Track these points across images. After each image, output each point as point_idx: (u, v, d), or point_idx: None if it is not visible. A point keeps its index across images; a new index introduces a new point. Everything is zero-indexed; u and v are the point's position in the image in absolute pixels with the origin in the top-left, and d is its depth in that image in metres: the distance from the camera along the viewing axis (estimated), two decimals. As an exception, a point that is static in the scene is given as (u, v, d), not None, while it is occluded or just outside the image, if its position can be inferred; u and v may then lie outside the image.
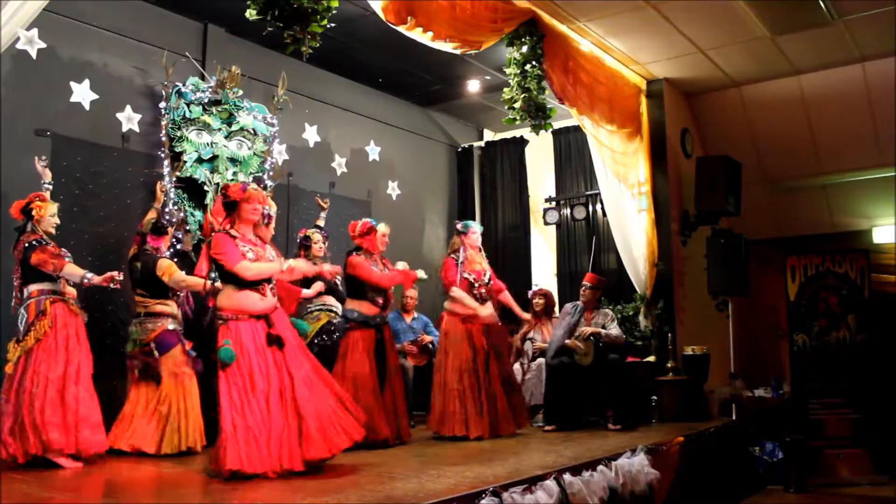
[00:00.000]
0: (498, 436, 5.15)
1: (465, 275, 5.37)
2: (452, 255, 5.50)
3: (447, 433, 5.11)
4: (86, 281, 4.23)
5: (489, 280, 5.51)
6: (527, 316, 6.24)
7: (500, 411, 5.25)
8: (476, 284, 5.39)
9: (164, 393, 4.62)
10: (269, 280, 3.89)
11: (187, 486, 3.70)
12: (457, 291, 5.34)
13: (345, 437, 3.83)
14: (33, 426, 4.01)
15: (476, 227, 5.59)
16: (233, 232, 3.85)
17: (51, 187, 4.52)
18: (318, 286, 5.59)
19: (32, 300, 4.23)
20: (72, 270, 4.24)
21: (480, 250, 5.60)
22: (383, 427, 4.75)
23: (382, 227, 5.21)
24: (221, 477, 3.58)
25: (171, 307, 4.84)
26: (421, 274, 5.29)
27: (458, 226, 5.60)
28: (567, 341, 5.87)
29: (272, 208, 5.74)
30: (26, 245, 4.23)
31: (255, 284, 3.80)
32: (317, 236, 5.85)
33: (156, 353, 4.65)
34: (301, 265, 4.11)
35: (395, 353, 5.20)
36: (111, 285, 4.26)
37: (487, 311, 5.43)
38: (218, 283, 4.11)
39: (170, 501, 3.38)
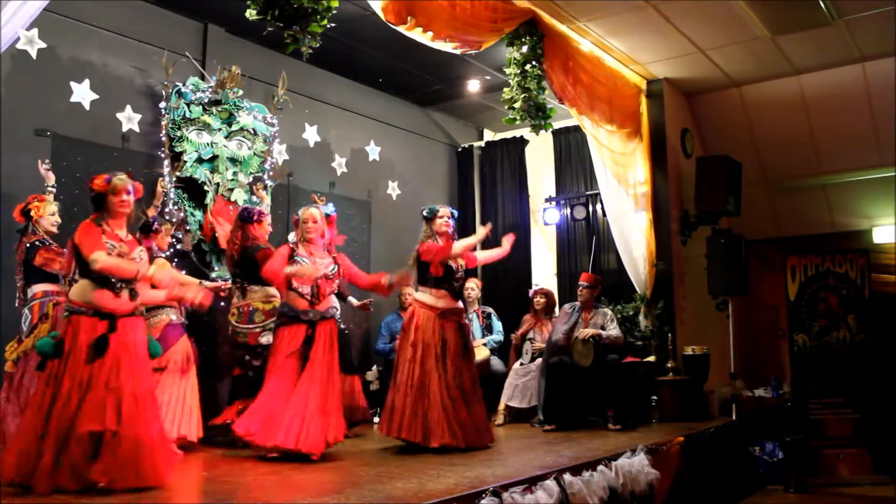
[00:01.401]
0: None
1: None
2: (430, 241, 4.96)
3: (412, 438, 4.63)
4: None
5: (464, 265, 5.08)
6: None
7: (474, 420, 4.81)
8: (456, 273, 4.99)
9: (166, 383, 4.62)
10: (127, 282, 3.55)
11: (187, 485, 3.69)
12: (456, 246, 4.86)
13: (145, 475, 3.38)
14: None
15: (444, 211, 5.03)
16: (103, 225, 3.55)
17: (54, 190, 4.54)
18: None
19: (37, 301, 4.24)
20: None
21: (449, 236, 5.00)
22: (285, 432, 4.21)
23: (313, 211, 4.72)
24: None
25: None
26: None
27: (424, 212, 5.07)
28: (560, 334, 5.86)
29: (265, 203, 5.78)
30: (28, 246, 4.25)
31: (109, 283, 3.48)
32: None
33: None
34: (156, 293, 3.77)
35: (326, 357, 4.52)
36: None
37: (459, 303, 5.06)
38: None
39: (171, 500, 3.38)
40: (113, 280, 3.50)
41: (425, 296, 4.92)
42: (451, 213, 5.09)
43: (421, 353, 4.75)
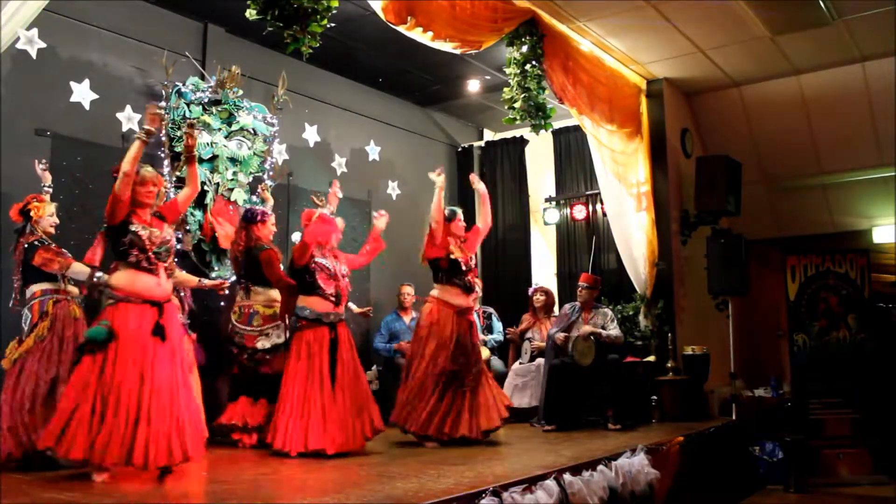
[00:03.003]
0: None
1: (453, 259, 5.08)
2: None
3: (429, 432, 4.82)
4: (95, 279, 4.25)
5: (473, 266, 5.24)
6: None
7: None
8: (465, 270, 5.13)
9: None
10: (161, 260, 3.79)
11: (187, 484, 3.69)
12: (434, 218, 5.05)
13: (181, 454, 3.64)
14: (24, 425, 4.02)
15: (461, 215, 5.31)
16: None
17: (51, 190, 4.52)
18: None
19: (36, 300, 4.24)
20: (80, 269, 4.27)
21: (462, 240, 5.24)
22: (337, 434, 4.41)
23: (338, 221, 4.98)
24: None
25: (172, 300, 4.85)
26: (380, 224, 5.07)
27: (445, 212, 5.25)
28: (559, 334, 5.87)
29: (269, 204, 5.78)
30: (26, 246, 4.24)
31: (149, 265, 3.72)
32: None
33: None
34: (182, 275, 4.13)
35: (351, 354, 4.75)
36: None
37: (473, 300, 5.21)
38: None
39: (169, 501, 3.38)
40: (149, 261, 3.70)
41: (441, 293, 5.09)
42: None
43: (435, 348, 4.91)
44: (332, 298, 4.68)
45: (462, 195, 8.71)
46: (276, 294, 5.08)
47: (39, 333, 4.16)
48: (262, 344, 4.97)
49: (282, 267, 5.01)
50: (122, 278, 3.72)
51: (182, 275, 4.66)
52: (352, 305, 5.90)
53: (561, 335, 5.89)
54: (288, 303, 4.76)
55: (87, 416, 3.50)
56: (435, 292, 5.16)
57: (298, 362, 4.55)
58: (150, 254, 3.74)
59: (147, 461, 3.51)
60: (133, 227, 3.73)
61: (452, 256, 5.09)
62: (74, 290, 4.42)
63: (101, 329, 3.60)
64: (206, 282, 4.93)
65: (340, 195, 5.10)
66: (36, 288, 4.27)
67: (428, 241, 5.15)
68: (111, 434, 3.49)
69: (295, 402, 4.45)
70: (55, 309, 4.24)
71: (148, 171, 3.87)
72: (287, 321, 4.97)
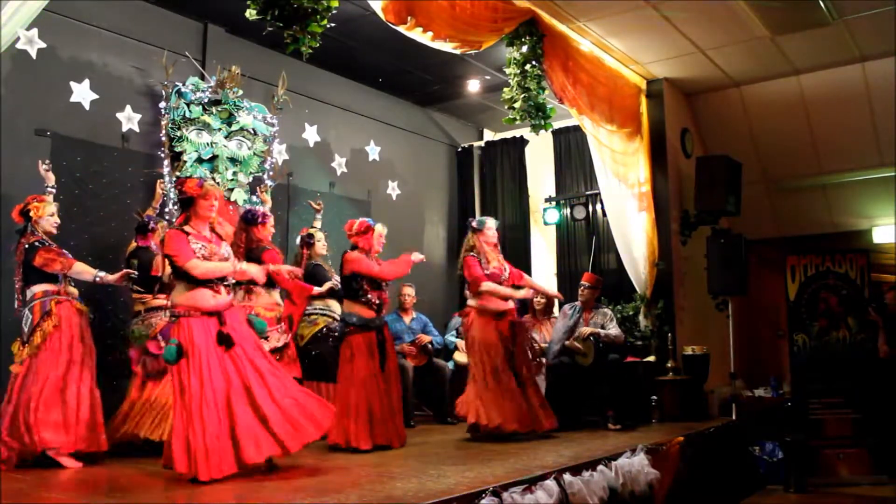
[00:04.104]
0: (533, 431, 5.08)
1: (487, 272, 5.23)
2: (472, 254, 5.30)
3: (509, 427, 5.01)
4: (98, 279, 4.25)
5: (508, 275, 5.38)
6: (556, 293, 6.12)
7: (535, 407, 5.17)
8: (500, 281, 5.27)
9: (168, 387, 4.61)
10: (222, 278, 3.85)
11: (187, 485, 3.69)
12: (489, 285, 5.18)
13: (313, 429, 3.80)
14: (27, 425, 4.02)
15: (491, 223, 5.42)
16: (186, 228, 3.81)
17: (54, 191, 4.52)
18: (330, 284, 5.58)
19: (37, 301, 4.24)
20: (82, 269, 4.27)
21: (496, 246, 5.42)
22: (390, 431, 4.75)
23: (380, 227, 5.14)
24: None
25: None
26: (416, 256, 5.16)
27: (473, 223, 5.43)
28: (566, 342, 5.88)
29: (267, 205, 5.78)
30: (27, 246, 4.24)
31: (208, 282, 3.76)
32: (319, 234, 5.85)
33: (161, 343, 4.64)
34: (252, 269, 4.10)
35: (394, 355, 5.15)
36: (126, 283, 4.29)
37: (513, 305, 5.37)
38: (109, 277, 4.22)
39: (170, 501, 3.38)
40: (212, 280, 3.76)
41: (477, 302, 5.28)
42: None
43: (486, 351, 5.14)
44: (375, 306, 4.90)
45: (462, 195, 8.73)
46: (277, 297, 5.08)
47: (46, 331, 4.16)
48: (265, 347, 4.97)
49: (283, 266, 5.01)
50: (182, 295, 3.75)
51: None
52: None
53: (569, 341, 5.88)
54: (296, 302, 4.83)
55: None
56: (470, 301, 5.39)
57: (350, 365, 4.77)
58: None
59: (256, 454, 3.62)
60: (192, 245, 3.74)
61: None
62: (75, 291, 4.42)
63: (170, 349, 3.65)
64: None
65: (384, 240, 5.24)
66: (37, 289, 4.26)
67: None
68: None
69: (355, 403, 4.66)
70: (58, 308, 4.24)
71: (211, 184, 3.92)
72: (291, 323, 4.99)
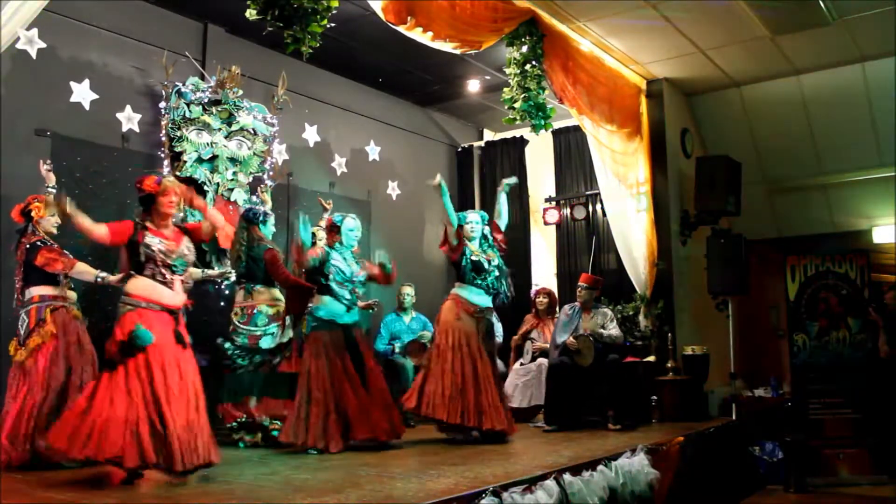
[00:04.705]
0: (476, 429, 4.98)
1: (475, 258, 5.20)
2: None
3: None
4: (99, 280, 4.25)
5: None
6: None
7: (484, 405, 5.03)
8: (485, 268, 5.22)
9: None
10: (177, 273, 3.81)
11: (187, 485, 3.69)
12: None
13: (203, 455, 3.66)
14: (27, 428, 4.02)
15: (472, 216, 5.31)
16: (147, 224, 3.79)
17: (54, 191, 4.52)
18: None
19: (34, 305, 4.23)
20: (83, 269, 4.27)
21: (486, 238, 5.35)
22: (362, 427, 4.64)
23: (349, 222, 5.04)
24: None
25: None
26: (381, 256, 5.09)
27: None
28: (565, 339, 5.87)
29: (267, 205, 5.78)
30: (28, 246, 4.24)
31: (164, 281, 3.75)
32: (321, 234, 5.86)
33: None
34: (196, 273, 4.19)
35: (369, 351, 5.04)
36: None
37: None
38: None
39: (171, 501, 3.38)
40: (163, 275, 3.73)
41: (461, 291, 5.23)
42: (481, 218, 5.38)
43: (455, 344, 5.05)
44: (346, 301, 4.83)
45: (462, 195, 8.72)
46: (278, 293, 5.08)
47: (44, 336, 4.15)
48: (267, 343, 4.98)
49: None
50: (140, 286, 3.71)
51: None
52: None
53: (569, 339, 5.88)
54: (297, 301, 4.79)
55: (144, 424, 3.49)
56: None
57: (318, 361, 4.68)
58: (162, 268, 3.74)
59: (185, 463, 3.52)
60: (148, 240, 3.72)
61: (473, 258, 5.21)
62: (73, 295, 4.41)
63: (147, 332, 3.60)
64: (209, 272, 4.86)
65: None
66: (36, 292, 4.25)
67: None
68: (166, 438, 3.50)
69: (322, 400, 4.60)
70: (53, 317, 4.23)
71: (170, 181, 3.89)
72: (290, 319, 4.98)
